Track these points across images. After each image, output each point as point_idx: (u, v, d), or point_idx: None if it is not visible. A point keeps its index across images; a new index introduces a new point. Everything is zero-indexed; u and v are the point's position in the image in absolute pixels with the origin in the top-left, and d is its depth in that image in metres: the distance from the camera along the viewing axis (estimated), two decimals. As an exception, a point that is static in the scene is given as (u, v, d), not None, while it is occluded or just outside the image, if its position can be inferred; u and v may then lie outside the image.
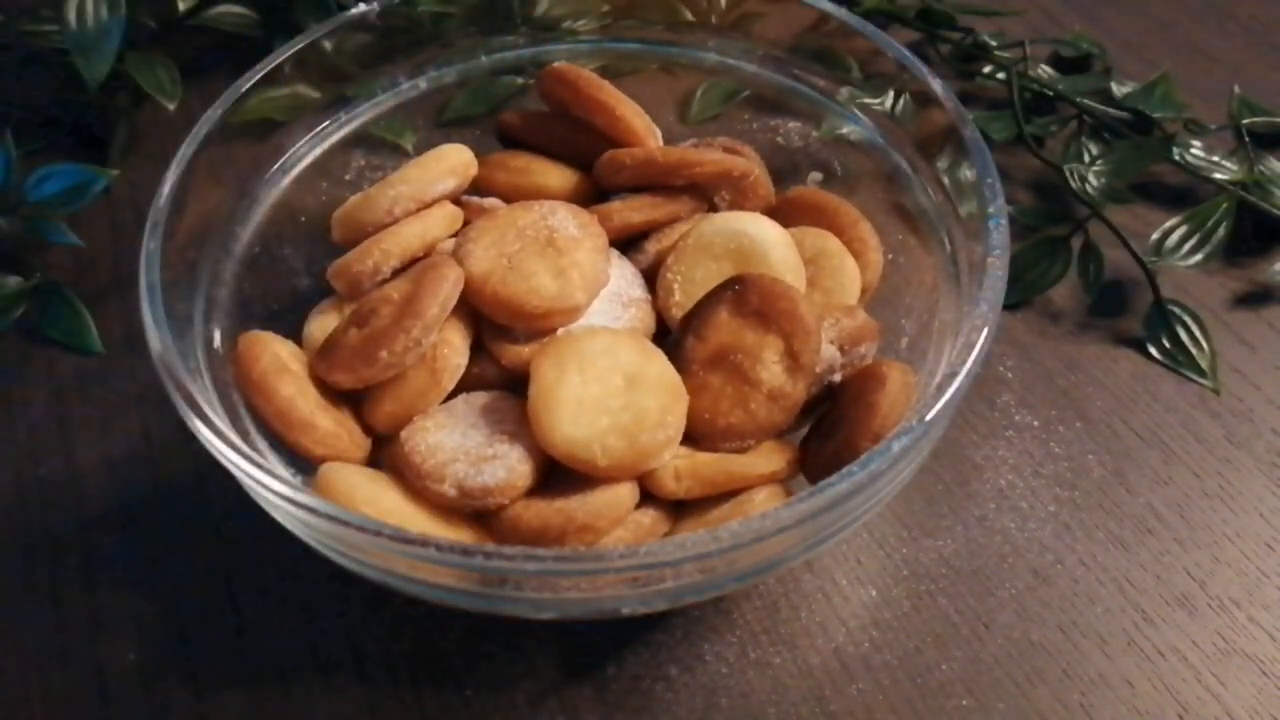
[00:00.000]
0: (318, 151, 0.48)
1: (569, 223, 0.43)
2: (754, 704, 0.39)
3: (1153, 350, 0.49)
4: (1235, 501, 0.44)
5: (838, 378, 0.41)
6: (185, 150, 0.41)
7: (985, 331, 0.35)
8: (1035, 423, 0.47)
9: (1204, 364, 0.49)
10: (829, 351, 0.41)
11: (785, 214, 0.46)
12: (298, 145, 0.48)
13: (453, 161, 0.45)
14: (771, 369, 0.39)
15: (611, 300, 0.43)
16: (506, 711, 0.39)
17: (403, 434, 0.39)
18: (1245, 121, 0.57)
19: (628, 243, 0.46)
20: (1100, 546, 0.43)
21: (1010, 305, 0.51)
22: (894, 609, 0.41)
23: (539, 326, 0.41)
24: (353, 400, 0.41)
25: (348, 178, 0.50)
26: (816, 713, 0.39)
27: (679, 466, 0.38)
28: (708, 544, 0.31)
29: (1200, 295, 0.52)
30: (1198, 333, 0.49)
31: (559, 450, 0.37)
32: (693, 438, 0.39)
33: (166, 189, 0.40)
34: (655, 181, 0.45)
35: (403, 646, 0.41)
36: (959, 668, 0.40)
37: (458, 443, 0.38)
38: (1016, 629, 0.41)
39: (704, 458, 0.38)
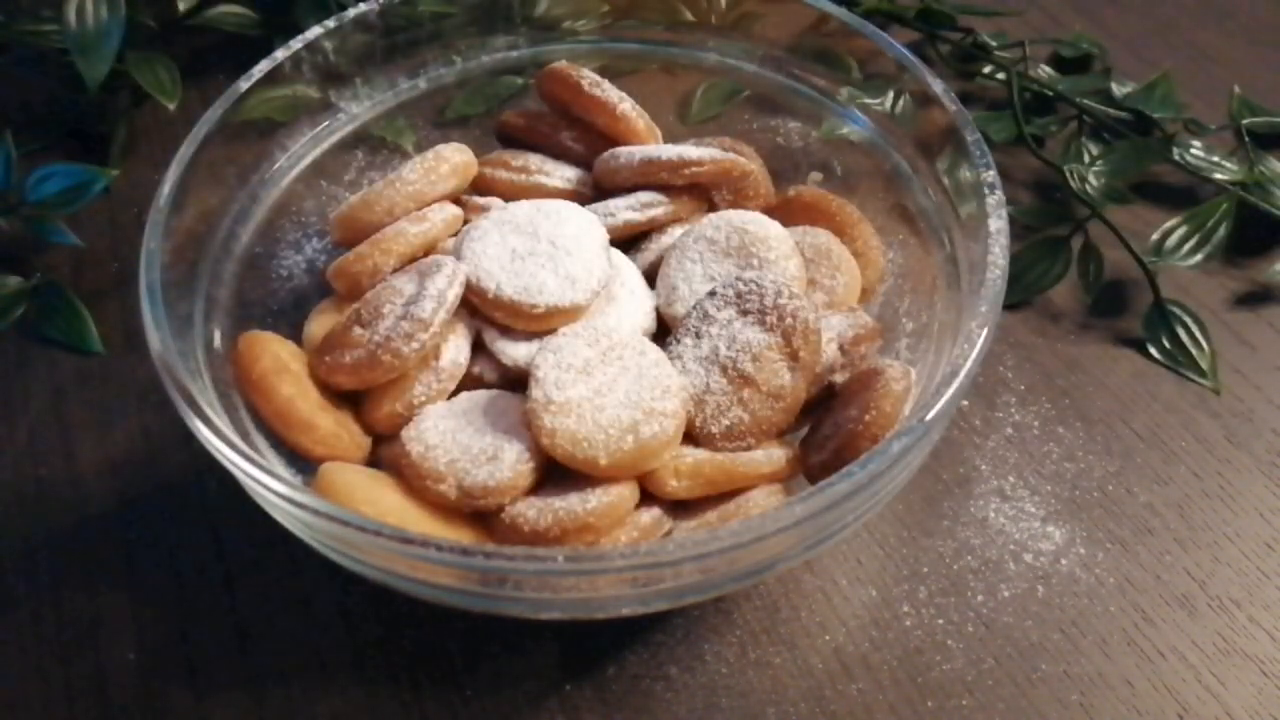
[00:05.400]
0: (318, 151, 0.48)
1: (570, 222, 0.43)
2: (754, 704, 0.39)
3: (1153, 350, 0.49)
4: (1235, 501, 0.44)
5: (838, 378, 0.41)
6: (185, 150, 0.41)
7: (985, 331, 0.35)
8: (1035, 423, 0.47)
9: (1204, 364, 0.49)
10: (830, 351, 0.41)
11: (785, 214, 0.46)
12: (298, 145, 0.48)
13: (453, 161, 0.45)
14: (772, 368, 0.39)
15: (612, 300, 0.43)
16: (506, 711, 0.39)
17: (403, 434, 0.39)
18: (1245, 121, 0.57)
19: (629, 242, 0.46)
20: (1100, 546, 0.43)
21: (1010, 305, 0.51)
22: (894, 609, 0.41)
23: (540, 326, 0.41)
24: (353, 400, 0.41)
25: (348, 178, 0.50)
26: (816, 712, 0.39)
27: (679, 466, 0.38)
28: (708, 544, 0.31)
29: (1200, 295, 0.52)
30: (1198, 333, 0.49)
31: (559, 450, 0.37)
32: (693, 438, 0.39)
33: (166, 189, 0.40)
34: (655, 181, 0.45)
35: (403, 646, 0.41)
36: (959, 668, 0.40)
37: (458, 443, 0.38)
38: (1016, 629, 0.41)
39: (704, 457, 0.38)
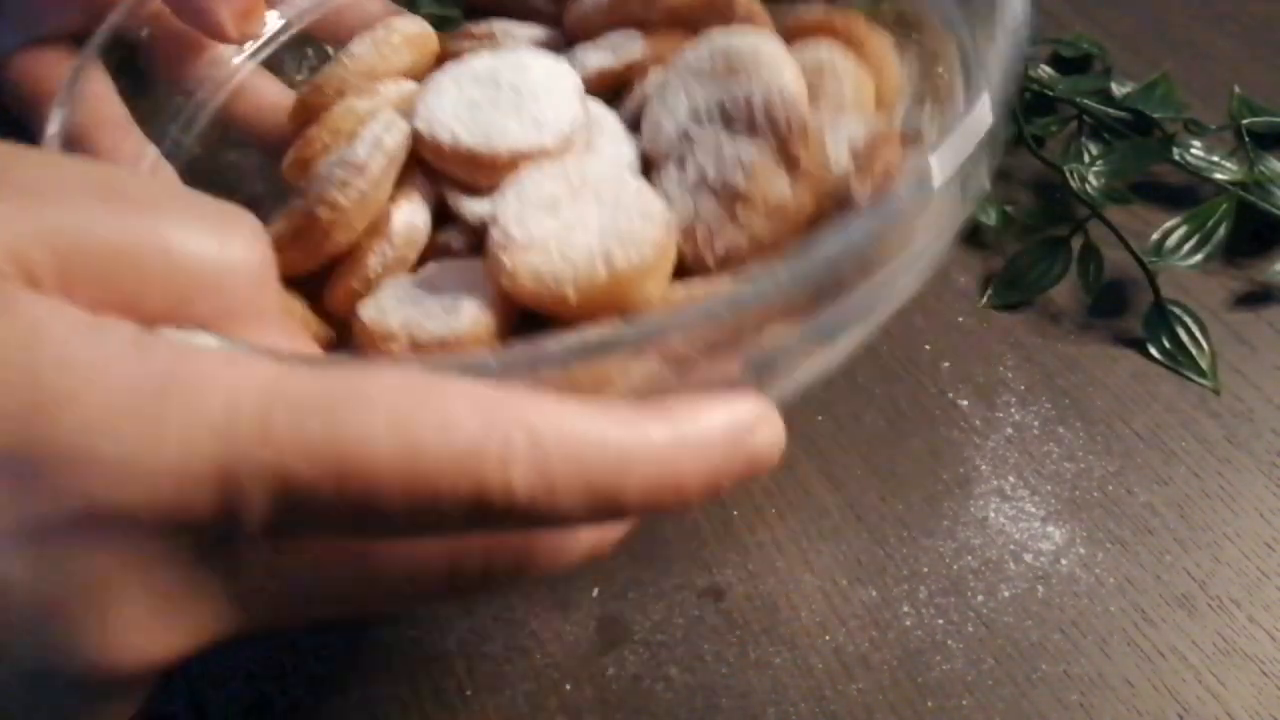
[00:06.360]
0: (266, 54, 0.45)
1: (534, 69, 0.39)
2: (754, 704, 0.39)
3: (1153, 350, 0.49)
4: (1235, 501, 0.44)
5: (858, 190, 0.35)
6: (94, 43, 0.38)
7: (987, 95, 0.29)
8: (1035, 423, 0.47)
9: (1204, 364, 0.49)
10: (840, 156, 0.36)
11: (785, 42, 0.40)
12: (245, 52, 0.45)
13: (406, 32, 0.42)
14: (769, 181, 0.35)
15: (592, 151, 0.39)
16: (506, 711, 0.39)
17: (358, 306, 0.36)
18: (1245, 121, 0.57)
19: (614, 98, 0.42)
20: (1100, 546, 0.43)
21: (1010, 305, 0.51)
22: (894, 609, 0.41)
23: (505, 178, 0.37)
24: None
25: (300, 77, 0.47)
26: (816, 713, 0.39)
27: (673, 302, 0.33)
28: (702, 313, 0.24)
29: (1200, 295, 0.52)
30: (1198, 333, 0.49)
31: (522, 289, 0.32)
32: (687, 272, 0.35)
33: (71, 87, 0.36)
34: (629, 18, 0.41)
35: (403, 647, 0.41)
36: (959, 668, 0.40)
37: (417, 305, 0.35)
38: (1016, 629, 0.41)
39: (702, 291, 0.34)
